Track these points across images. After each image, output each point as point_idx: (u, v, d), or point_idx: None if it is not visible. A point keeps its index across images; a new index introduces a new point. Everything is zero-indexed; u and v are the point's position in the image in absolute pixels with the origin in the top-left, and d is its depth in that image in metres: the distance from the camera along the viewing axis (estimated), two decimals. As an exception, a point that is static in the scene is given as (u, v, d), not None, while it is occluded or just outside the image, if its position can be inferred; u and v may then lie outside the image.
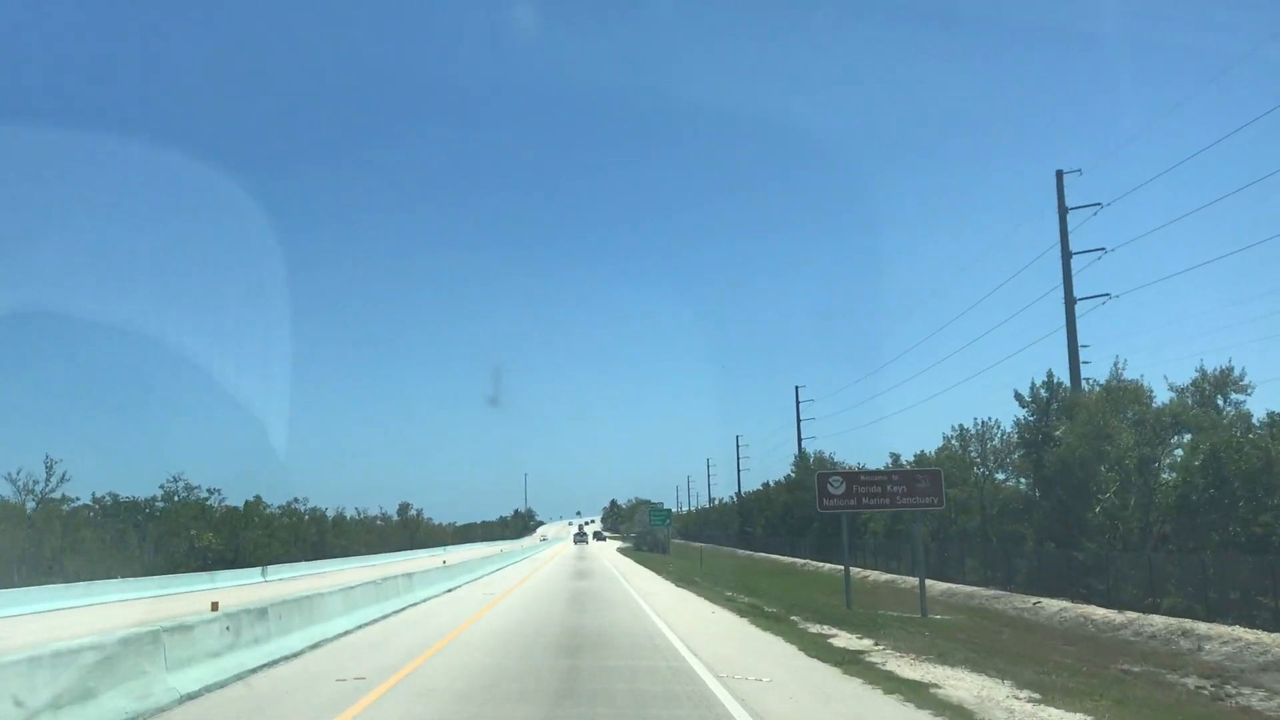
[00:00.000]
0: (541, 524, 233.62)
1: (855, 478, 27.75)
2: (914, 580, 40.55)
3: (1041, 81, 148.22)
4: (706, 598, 25.31)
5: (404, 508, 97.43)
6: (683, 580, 34.19)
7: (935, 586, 37.24)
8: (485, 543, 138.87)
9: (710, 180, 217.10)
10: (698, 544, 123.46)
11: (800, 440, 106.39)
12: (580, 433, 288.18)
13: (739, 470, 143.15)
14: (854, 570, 53.17)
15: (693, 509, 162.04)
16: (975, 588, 34.75)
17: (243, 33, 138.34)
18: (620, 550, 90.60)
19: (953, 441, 42.54)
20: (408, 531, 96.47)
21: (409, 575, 22.17)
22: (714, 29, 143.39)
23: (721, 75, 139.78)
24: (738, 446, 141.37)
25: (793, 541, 78.24)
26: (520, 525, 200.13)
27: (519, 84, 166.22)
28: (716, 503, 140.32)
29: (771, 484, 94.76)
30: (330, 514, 73.60)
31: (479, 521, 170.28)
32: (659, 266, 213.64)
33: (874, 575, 46.41)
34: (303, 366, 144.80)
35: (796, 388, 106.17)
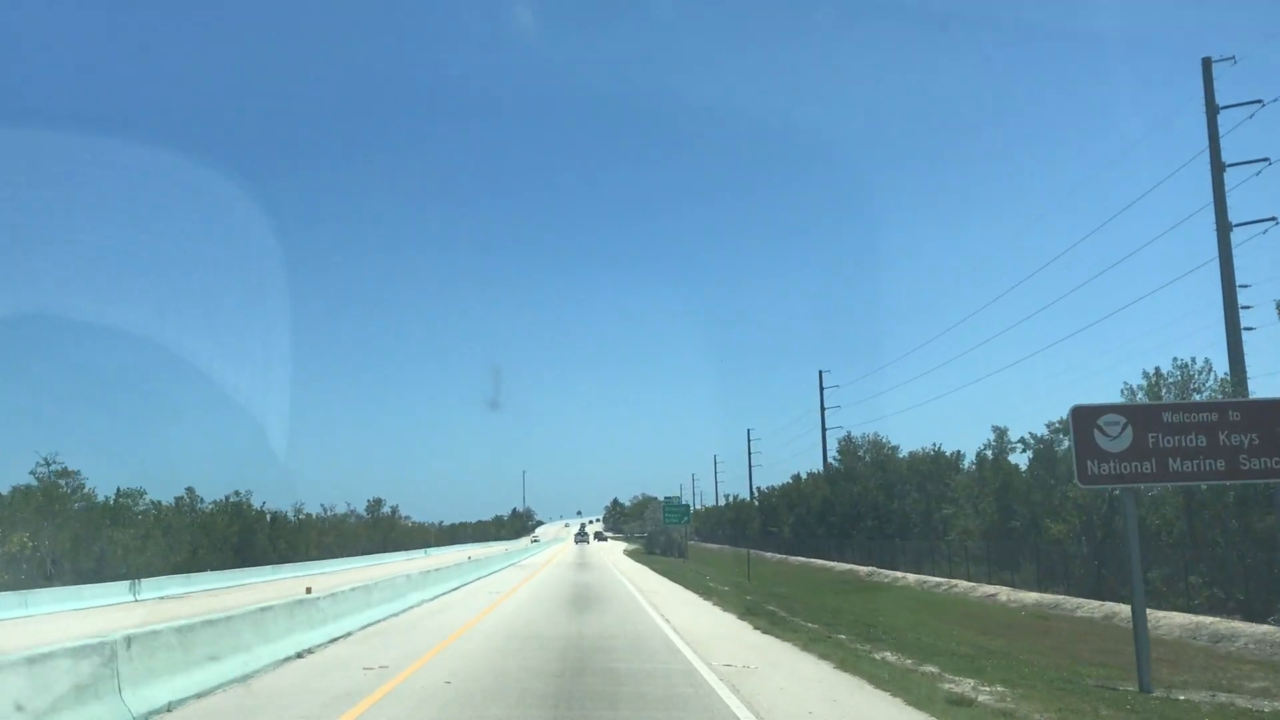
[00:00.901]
0: (541, 524, 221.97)
1: (1153, 418, 13.31)
2: (1113, 610, 25.92)
3: (1043, 81, 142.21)
4: (863, 676, 10.88)
5: (374, 504, 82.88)
6: (755, 613, 19.74)
7: (1170, 622, 22.48)
8: (476, 544, 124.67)
9: (711, 180, 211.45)
10: (712, 545, 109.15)
11: (825, 430, 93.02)
12: (580, 433, 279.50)
13: (750, 466, 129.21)
14: (944, 582, 38.78)
15: (699, 508, 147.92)
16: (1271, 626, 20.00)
17: (242, 33, 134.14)
18: (628, 553, 75.95)
19: (1138, 394, 28.11)
20: (379, 532, 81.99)
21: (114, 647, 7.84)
22: (714, 29, 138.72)
23: (722, 75, 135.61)
24: (749, 441, 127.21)
25: (840, 543, 63.83)
26: (518, 525, 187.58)
27: (519, 84, 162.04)
28: (732, 499, 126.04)
29: (803, 476, 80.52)
30: (270, 511, 59.11)
31: (470, 521, 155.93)
32: (659, 266, 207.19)
33: (1000, 593, 31.93)
34: (302, 367, 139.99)
35: (820, 372, 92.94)
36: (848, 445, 66.81)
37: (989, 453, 44.01)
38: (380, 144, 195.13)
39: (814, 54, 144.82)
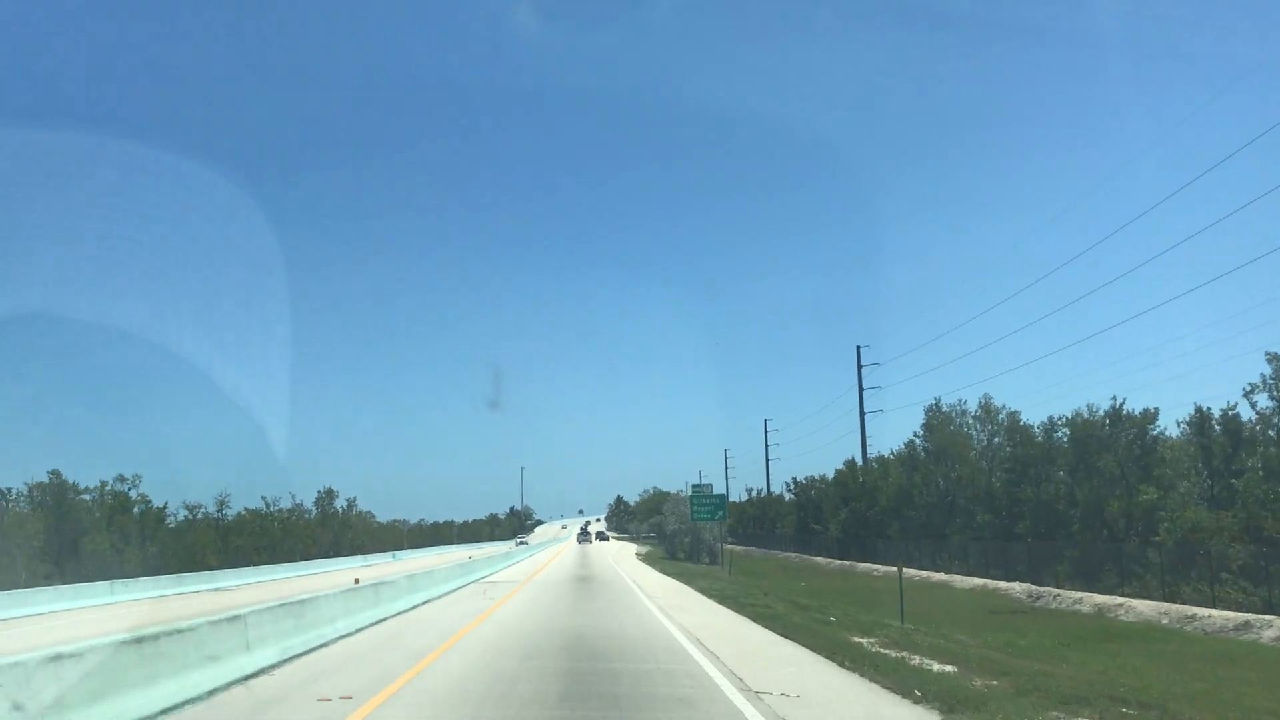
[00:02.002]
0: (541, 524, 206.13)
1: None
2: None
3: (1044, 81, 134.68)
4: None
5: (325, 497, 64.96)
6: None
7: None
8: (462, 546, 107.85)
9: (712, 180, 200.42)
10: (736, 548, 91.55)
11: (863, 415, 76.17)
12: (581, 433, 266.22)
13: (767, 460, 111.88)
14: (1234, 620, 21.03)
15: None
16: None
17: (242, 33, 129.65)
18: (644, 559, 58.27)
19: None
20: (329, 532, 64.23)
21: None
22: (715, 30, 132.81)
23: (723, 76, 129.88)
24: (766, 432, 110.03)
25: (931, 546, 46.31)
26: (515, 525, 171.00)
27: (519, 85, 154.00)
28: (754, 494, 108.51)
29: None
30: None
31: (458, 520, 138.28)
32: (660, 265, 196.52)
33: None
34: (302, 366, 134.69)
35: (858, 348, 76.15)
36: (937, 418, 49.07)
37: (1256, 399, 26.42)
38: (380, 144, 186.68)
39: (815, 54, 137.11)
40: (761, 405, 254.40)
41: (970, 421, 46.75)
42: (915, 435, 51.48)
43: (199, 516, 58.24)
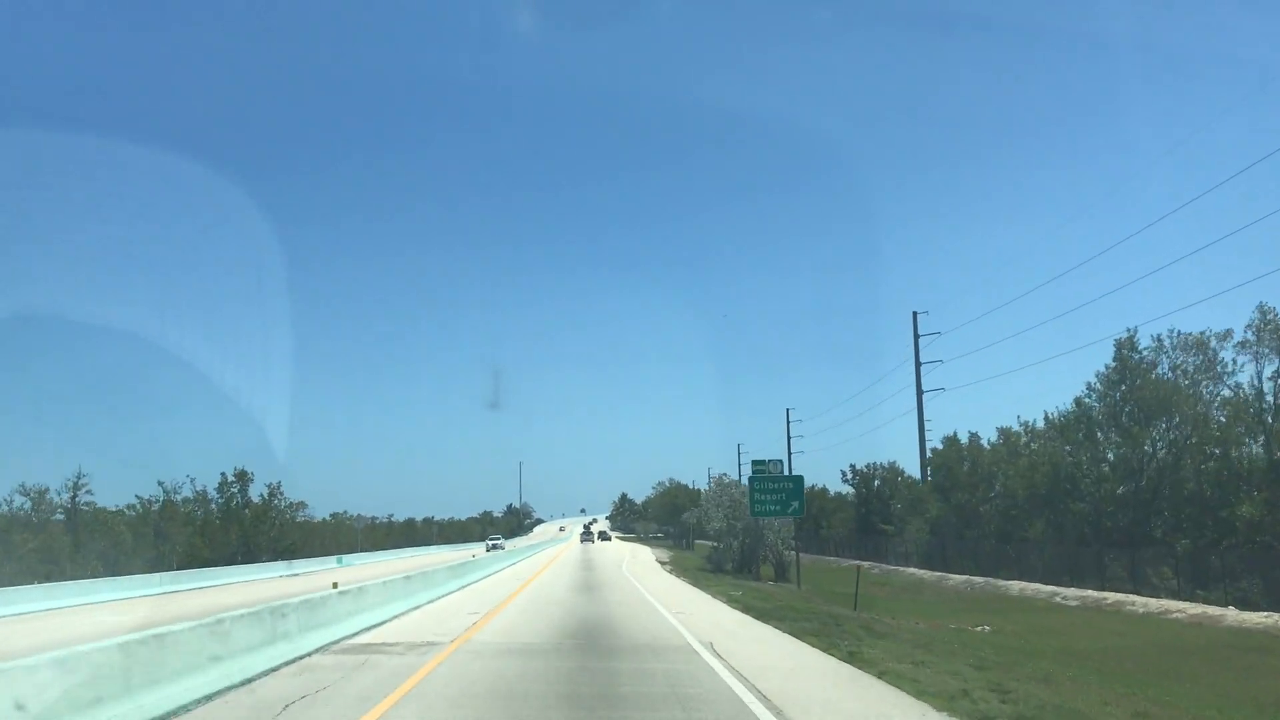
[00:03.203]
0: (541, 522, 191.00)
1: None
2: None
3: (1047, 83, 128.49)
4: None
5: (232, 482, 46.79)
6: None
7: None
8: (445, 547, 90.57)
9: (712, 181, 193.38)
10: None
11: (920, 392, 60.06)
12: (582, 432, 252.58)
13: (790, 454, 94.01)
14: None
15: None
16: None
17: (241, 33, 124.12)
18: (673, 570, 39.52)
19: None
20: (237, 529, 46.19)
21: None
22: (715, 30, 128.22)
23: (723, 77, 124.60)
24: (789, 424, 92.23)
25: (1126, 559, 28.34)
26: (513, 523, 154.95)
27: (520, 85, 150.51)
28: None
29: (987, 438, 43.93)
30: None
31: (442, 518, 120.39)
32: (661, 265, 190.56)
33: None
34: (302, 367, 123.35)
35: (915, 314, 60.33)
36: (1133, 355, 30.98)
37: None
38: (380, 144, 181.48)
39: (816, 55, 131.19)
40: (766, 405, 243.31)
41: (1197, 360, 28.72)
42: (1089, 389, 33.43)
43: (39, 508, 40.76)
